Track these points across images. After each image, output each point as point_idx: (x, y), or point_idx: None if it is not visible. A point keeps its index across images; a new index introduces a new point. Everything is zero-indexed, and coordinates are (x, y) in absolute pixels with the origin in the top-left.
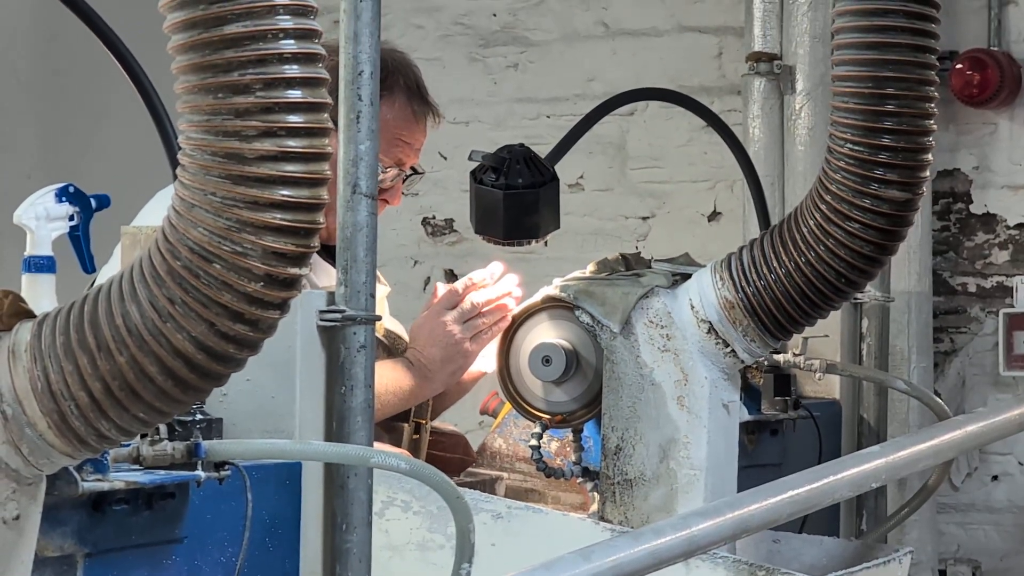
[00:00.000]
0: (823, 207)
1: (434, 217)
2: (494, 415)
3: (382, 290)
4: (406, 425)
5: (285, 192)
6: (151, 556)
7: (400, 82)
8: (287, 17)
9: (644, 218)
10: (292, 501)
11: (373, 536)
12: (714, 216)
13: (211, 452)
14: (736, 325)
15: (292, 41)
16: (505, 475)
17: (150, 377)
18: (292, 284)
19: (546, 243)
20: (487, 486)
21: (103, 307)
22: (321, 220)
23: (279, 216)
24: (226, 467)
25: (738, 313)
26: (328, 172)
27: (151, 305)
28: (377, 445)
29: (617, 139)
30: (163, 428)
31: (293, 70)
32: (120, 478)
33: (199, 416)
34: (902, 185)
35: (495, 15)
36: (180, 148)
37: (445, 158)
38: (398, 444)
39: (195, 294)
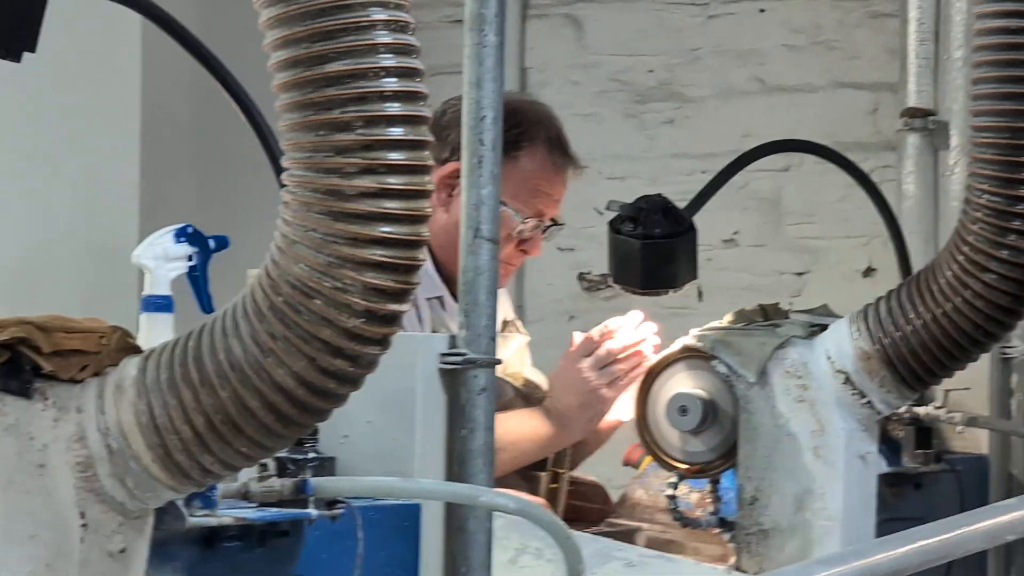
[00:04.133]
0: (960, 258)
1: (590, 272)
2: (636, 466)
3: (521, 339)
4: (544, 474)
5: (385, 229)
6: None
7: (541, 134)
8: (389, 56)
9: (799, 274)
10: (410, 543)
11: None
12: (868, 272)
13: (319, 489)
14: (872, 376)
15: (394, 79)
16: (645, 526)
17: (252, 412)
18: (392, 320)
19: (701, 297)
20: (627, 536)
21: (206, 343)
22: (421, 257)
23: (379, 252)
24: (338, 506)
25: (874, 364)
26: (429, 209)
27: (253, 340)
28: (515, 494)
29: (772, 195)
30: (272, 465)
31: (394, 108)
32: (228, 514)
33: (312, 455)
34: None
35: (652, 71)
36: (284, 185)
37: (601, 213)
38: (536, 493)
39: (296, 330)
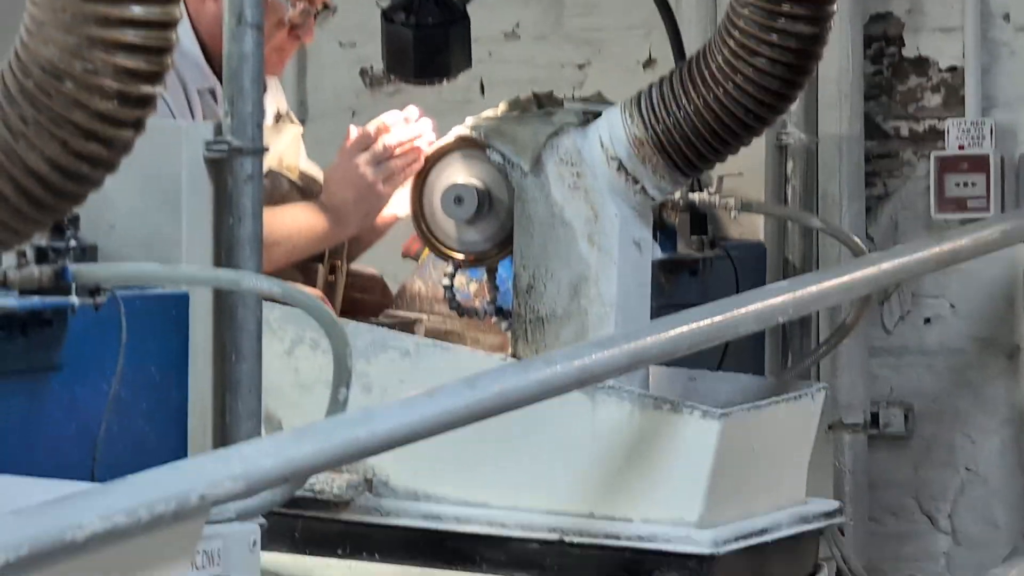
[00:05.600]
0: (731, 43)
1: (372, 67)
2: (415, 258)
3: (295, 130)
4: (320, 266)
5: (136, 9)
6: (27, 383)
7: None
8: None
9: (580, 66)
10: (180, 332)
11: (283, 374)
12: (649, 63)
13: (78, 276)
14: (645, 162)
15: None
16: (425, 317)
17: (4, 197)
18: (146, 102)
19: (483, 91)
20: (406, 328)
21: None
22: (174, 37)
23: (131, 33)
24: (102, 294)
25: (647, 150)
26: None
27: (3, 124)
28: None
29: None
30: (31, 252)
31: None
32: None
33: (72, 242)
34: (809, 20)
35: None
36: None
37: (380, 7)
38: (313, 285)
39: (47, 113)
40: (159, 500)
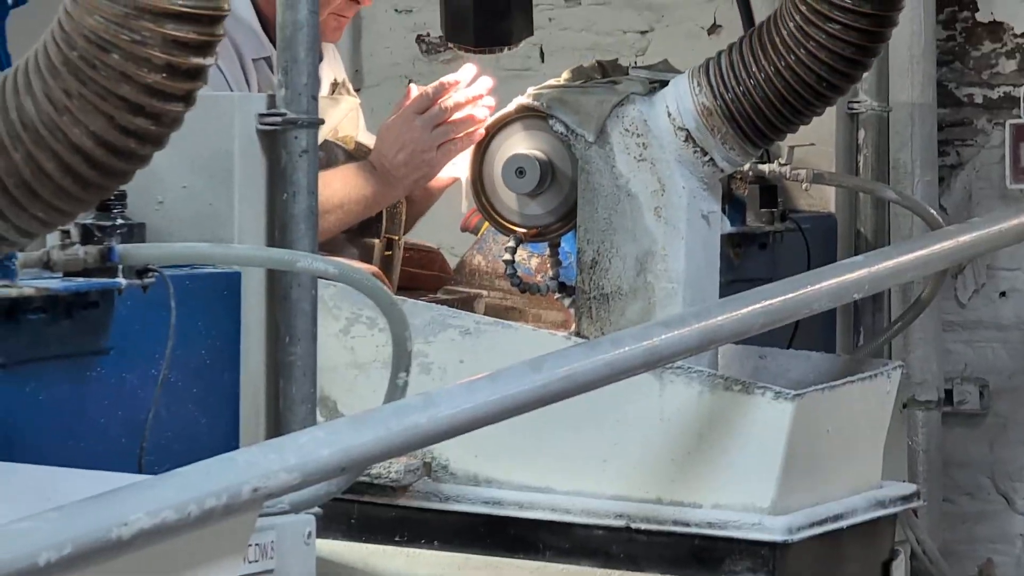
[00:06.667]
0: (803, 8)
1: (428, 34)
2: (475, 232)
3: (352, 102)
4: (377, 241)
5: None
6: (73, 367)
7: None
8: None
9: (642, 32)
10: (231, 313)
11: (338, 354)
12: (714, 29)
13: (125, 256)
14: (714, 132)
15: None
16: (485, 293)
17: (47, 174)
18: (196, 75)
19: (543, 58)
20: (466, 304)
21: None
22: (225, 6)
23: (179, 1)
24: (150, 274)
25: (716, 120)
26: None
27: (46, 98)
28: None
29: None
30: (76, 232)
31: None
32: (30, 284)
33: (119, 221)
34: None
35: None
36: None
37: None
38: (369, 261)
39: (92, 86)
40: (210, 494)
